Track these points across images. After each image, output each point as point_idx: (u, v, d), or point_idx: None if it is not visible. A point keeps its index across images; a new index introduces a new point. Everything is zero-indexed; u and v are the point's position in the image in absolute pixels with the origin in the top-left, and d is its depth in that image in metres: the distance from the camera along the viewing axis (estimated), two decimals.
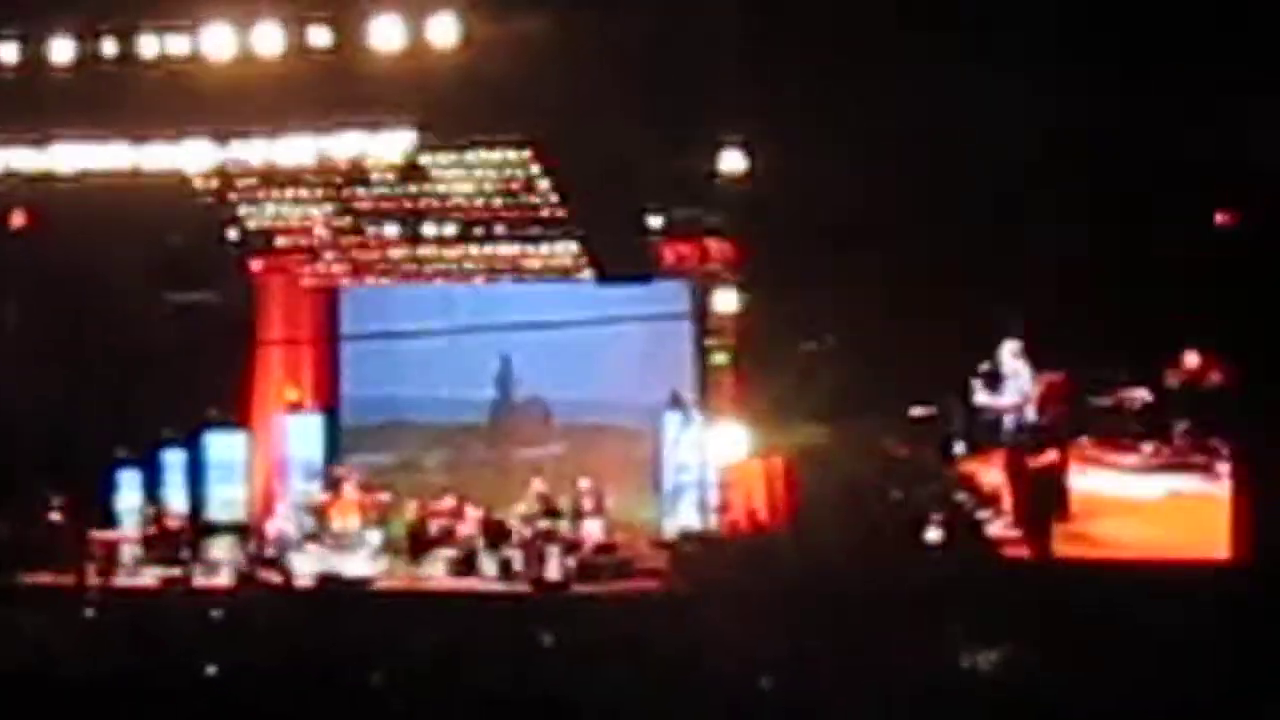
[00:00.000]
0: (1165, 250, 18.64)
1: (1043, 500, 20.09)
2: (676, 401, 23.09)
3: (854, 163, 18.81)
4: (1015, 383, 20.28)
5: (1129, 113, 18.07)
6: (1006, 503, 20.45)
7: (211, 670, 12.54)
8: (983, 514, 20.46)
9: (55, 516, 23.16)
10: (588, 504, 22.91)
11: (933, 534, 20.24)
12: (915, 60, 18.00)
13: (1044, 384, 20.27)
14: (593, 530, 22.69)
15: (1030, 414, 20.30)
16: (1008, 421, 20.41)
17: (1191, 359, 19.77)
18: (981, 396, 20.36)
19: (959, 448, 20.76)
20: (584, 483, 23.11)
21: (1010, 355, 20.22)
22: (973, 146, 18.52)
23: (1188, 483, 19.70)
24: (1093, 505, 20.04)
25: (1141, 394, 20.00)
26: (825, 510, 20.04)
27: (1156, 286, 18.66)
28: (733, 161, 20.24)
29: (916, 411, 20.60)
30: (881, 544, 19.10)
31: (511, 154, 22.18)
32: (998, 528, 20.44)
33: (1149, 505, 19.79)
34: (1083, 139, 18.45)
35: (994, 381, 20.32)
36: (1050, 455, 20.14)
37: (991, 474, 20.63)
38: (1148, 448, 19.98)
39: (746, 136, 20.05)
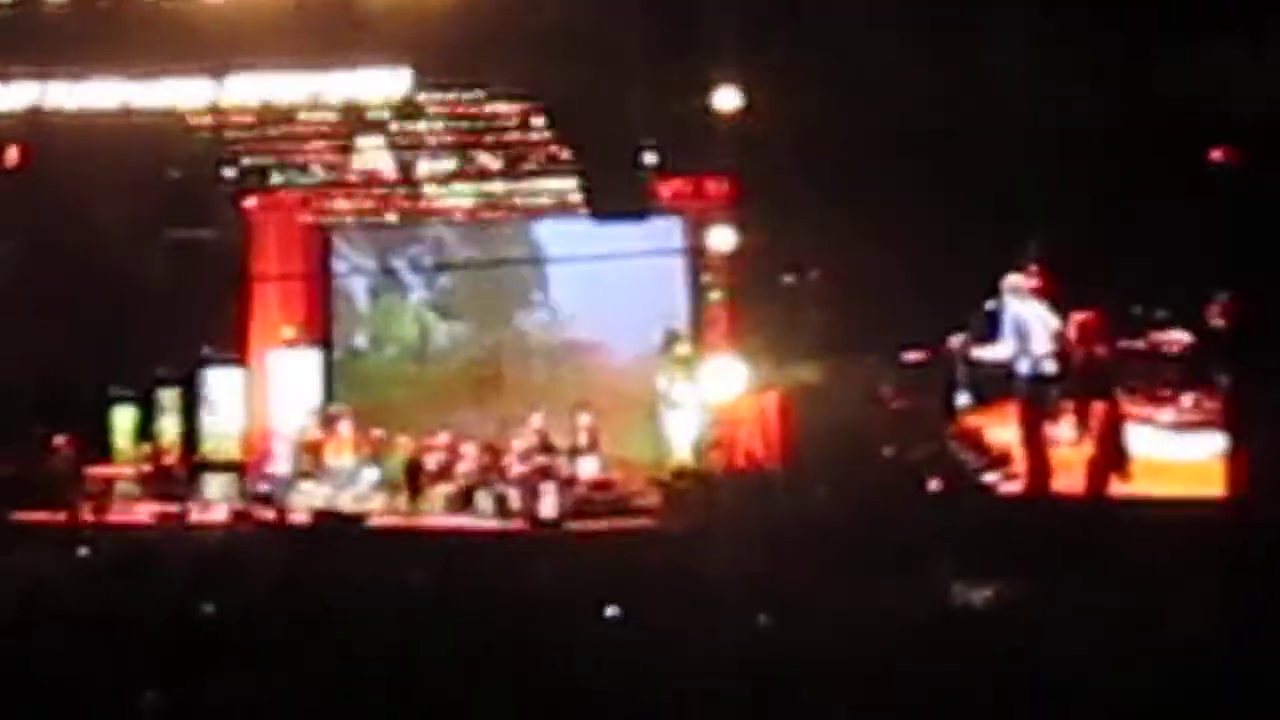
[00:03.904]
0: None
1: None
2: None
3: (850, 98, 18.67)
4: (1017, 327, 17.72)
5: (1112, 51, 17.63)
6: (1019, 465, 17.93)
7: (207, 606, 12.57)
8: (990, 478, 18.19)
9: (55, 454, 23.18)
10: (585, 440, 22.93)
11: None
12: None
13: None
14: (589, 467, 22.71)
15: (1047, 363, 17.66)
16: (1023, 369, 17.75)
17: None
18: (974, 351, 18.05)
19: (963, 399, 18.45)
20: (583, 418, 23.11)
21: (1012, 293, 17.84)
22: (973, 78, 18.04)
23: None
24: None
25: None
26: (819, 452, 19.80)
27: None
28: (728, 98, 20.17)
29: (910, 356, 18.86)
30: (876, 502, 17.50)
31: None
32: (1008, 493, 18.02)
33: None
34: (1087, 70, 17.91)
35: (991, 327, 17.91)
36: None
37: (1002, 431, 18.19)
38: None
39: (741, 73, 19.96)
